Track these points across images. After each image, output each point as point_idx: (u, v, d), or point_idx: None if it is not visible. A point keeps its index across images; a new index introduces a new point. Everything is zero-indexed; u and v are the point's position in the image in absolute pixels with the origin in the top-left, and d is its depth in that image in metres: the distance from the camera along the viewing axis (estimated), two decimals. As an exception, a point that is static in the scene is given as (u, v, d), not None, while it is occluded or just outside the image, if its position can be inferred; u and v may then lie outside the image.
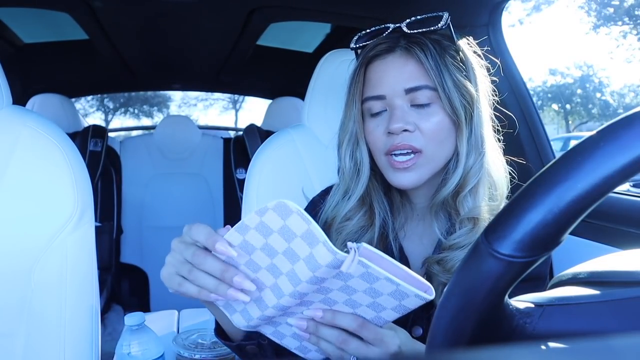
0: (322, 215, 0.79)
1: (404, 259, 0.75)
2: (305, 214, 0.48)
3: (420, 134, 0.69)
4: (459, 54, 0.71)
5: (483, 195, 0.71)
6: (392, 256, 0.72)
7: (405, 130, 0.69)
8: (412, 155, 0.69)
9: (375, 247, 0.72)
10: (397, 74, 0.70)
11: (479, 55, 0.75)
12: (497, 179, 0.73)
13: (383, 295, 0.51)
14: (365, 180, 0.75)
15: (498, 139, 0.76)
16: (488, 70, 0.76)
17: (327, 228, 0.77)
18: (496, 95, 0.76)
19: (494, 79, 0.77)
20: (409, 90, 0.69)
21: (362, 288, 0.51)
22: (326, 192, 0.83)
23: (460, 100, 0.69)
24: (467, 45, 0.74)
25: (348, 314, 0.55)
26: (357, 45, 0.76)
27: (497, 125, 0.76)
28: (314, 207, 0.82)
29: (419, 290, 0.50)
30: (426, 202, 0.77)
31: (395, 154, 0.70)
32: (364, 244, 0.51)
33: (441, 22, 0.69)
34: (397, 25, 0.72)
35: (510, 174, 0.75)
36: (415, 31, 0.70)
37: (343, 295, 0.53)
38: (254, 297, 0.54)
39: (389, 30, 0.72)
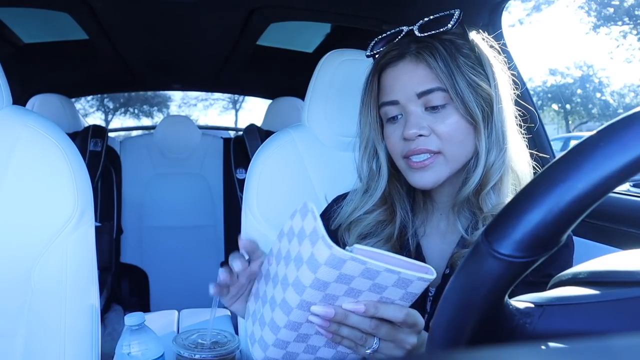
0: (338, 218, 0.79)
1: (420, 257, 0.75)
2: (316, 212, 0.50)
3: (435, 137, 0.69)
4: (474, 52, 0.71)
5: (507, 191, 0.71)
6: (409, 254, 0.73)
7: (420, 135, 0.69)
8: (430, 155, 0.69)
9: (394, 243, 0.73)
10: (408, 79, 0.70)
11: (496, 50, 0.74)
12: (522, 174, 0.72)
13: (388, 288, 0.51)
14: (383, 184, 0.76)
15: (522, 133, 0.75)
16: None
17: (343, 230, 0.78)
18: (517, 89, 0.75)
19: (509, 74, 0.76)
20: (421, 94, 0.69)
21: (366, 287, 0.51)
22: (341, 197, 0.84)
23: (475, 99, 0.68)
24: (482, 41, 0.73)
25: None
26: (372, 52, 0.76)
27: (520, 120, 0.75)
28: (327, 211, 0.84)
29: (419, 273, 0.50)
30: (449, 200, 0.76)
31: (412, 156, 0.70)
32: (356, 245, 0.52)
33: (451, 22, 0.69)
34: (410, 28, 0.72)
35: (534, 168, 0.74)
36: (426, 34, 0.70)
37: (350, 300, 0.52)
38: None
39: (401, 35, 0.72)
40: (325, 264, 0.49)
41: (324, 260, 0.48)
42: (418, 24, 0.71)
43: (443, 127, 0.69)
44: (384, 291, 0.52)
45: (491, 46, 0.73)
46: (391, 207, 0.76)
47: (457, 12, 0.69)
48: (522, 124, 0.76)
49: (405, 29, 0.72)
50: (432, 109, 0.69)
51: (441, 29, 0.69)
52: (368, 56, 0.77)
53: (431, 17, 0.71)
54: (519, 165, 0.72)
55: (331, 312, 0.51)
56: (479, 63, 0.71)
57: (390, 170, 0.77)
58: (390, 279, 0.50)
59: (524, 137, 0.76)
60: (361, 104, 0.77)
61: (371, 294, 0.52)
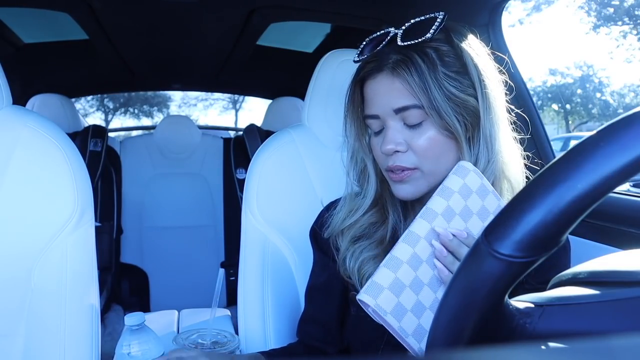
0: (330, 227, 0.78)
1: None
2: (479, 171, 0.64)
3: (412, 152, 0.68)
4: (459, 59, 0.68)
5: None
6: None
7: (397, 151, 0.68)
8: (407, 170, 0.68)
9: (386, 246, 0.73)
10: (385, 93, 0.68)
11: (488, 54, 0.71)
12: (516, 182, 0.71)
13: (491, 213, 0.64)
14: (372, 192, 0.75)
15: (516, 138, 0.74)
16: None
17: (335, 236, 0.77)
18: (512, 92, 0.73)
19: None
20: (397, 111, 0.67)
21: (477, 209, 0.63)
22: (332, 204, 0.84)
23: (455, 113, 0.66)
24: (472, 46, 0.70)
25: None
26: (359, 58, 0.73)
27: (515, 126, 0.74)
28: (320, 218, 0.84)
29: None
30: None
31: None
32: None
33: (431, 31, 0.66)
34: (395, 33, 0.69)
35: (528, 177, 0.73)
36: (406, 43, 0.67)
37: (460, 222, 0.63)
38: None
39: (385, 42, 0.69)
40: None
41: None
42: (401, 30, 0.68)
43: (420, 143, 0.67)
44: (488, 217, 0.63)
45: (490, 52, 0.72)
46: (383, 209, 0.76)
47: (440, 16, 0.67)
48: (521, 125, 0.75)
49: (392, 32, 0.69)
50: (410, 124, 0.68)
51: (418, 40, 0.66)
52: (356, 62, 0.74)
53: (416, 20, 0.68)
54: (513, 172, 0.71)
55: (449, 235, 0.60)
56: (465, 71, 0.68)
57: (379, 176, 0.76)
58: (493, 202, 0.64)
59: (522, 139, 0.75)
60: (345, 113, 0.76)
61: (476, 219, 0.63)
